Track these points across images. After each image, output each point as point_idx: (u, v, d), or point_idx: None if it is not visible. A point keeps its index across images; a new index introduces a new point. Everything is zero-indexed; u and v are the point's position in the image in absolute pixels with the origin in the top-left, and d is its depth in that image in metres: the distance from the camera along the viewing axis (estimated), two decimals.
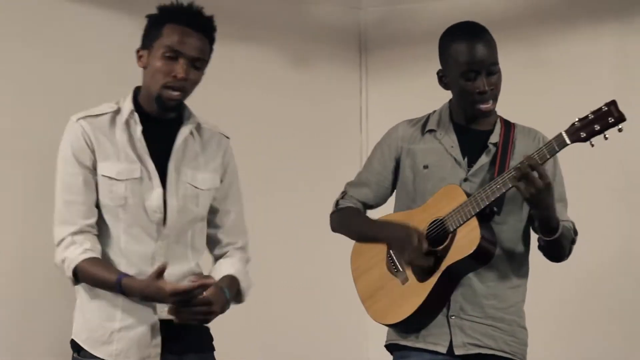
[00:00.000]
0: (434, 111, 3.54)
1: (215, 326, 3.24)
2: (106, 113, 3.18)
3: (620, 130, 3.15)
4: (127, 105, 3.18)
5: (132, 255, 3.12)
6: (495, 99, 3.39)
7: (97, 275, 3.09)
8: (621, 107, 3.17)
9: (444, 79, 3.44)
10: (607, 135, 3.16)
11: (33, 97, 4.37)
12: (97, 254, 3.11)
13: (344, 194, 3.59)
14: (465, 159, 3.42)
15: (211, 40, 3.20)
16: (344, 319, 4.80)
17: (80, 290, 3.18)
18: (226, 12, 4.83)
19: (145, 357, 3.11)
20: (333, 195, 3.62)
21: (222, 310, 3.12)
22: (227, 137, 3.32)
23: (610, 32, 4.79)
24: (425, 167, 3.45)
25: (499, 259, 3.35)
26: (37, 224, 4.24)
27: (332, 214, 3.60)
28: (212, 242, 3.31)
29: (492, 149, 3.42)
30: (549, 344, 4.57)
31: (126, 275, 3.07)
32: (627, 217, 4.75)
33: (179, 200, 3.16)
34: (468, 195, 3.32)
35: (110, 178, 3.12)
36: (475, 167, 3.41)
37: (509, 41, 4.85)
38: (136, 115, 3.16)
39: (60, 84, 4.42)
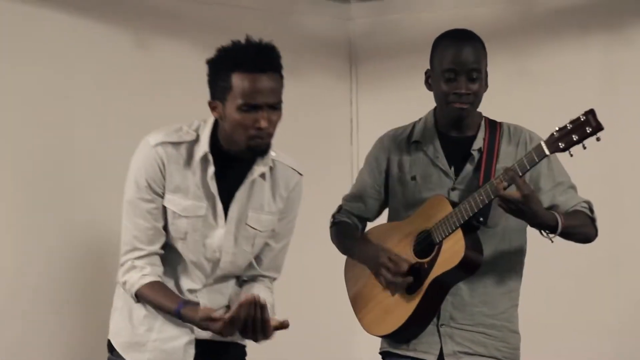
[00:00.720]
0: (420, 119, 3.53)
1: None
2: (185, 142, 3.09)
3: (598, 139, 3.13)
4: (204, 141, 3.08)
5: (183, 279, 3.12)
6: (472, 105, 3.37)
7: (157, 301, 3.08)
8: (607, 117, 3.18)
9: (429, 80, 3.45)
10: (585, 145, 3.14)
11: (25, 104, 4.38)
12: (155, 277, 3.09)
13: (339, 208, 3.61)
14: (452, 168, 3.42)
15: (281, 73, 3.08)
16: (334, 322, 4.80)
17: (121, 294, 3.17)
18: (216, 24, 4.88)
19: None
20: (324, 205, 3.64)
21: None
22: (300, 174, 3.22)
23: (597, 43, 4.81)
24: (413, 178, 3.46)
25: (489, 265, 3.36)
26: (30, 229, 4.28)
27: (330, 228, 3.63)
28: (251, 273, 3.25)
29: (477, 155, 3.41)
30: (539, 346, 4.60)
31: (186, 303, 3.05)
32: (610, 224, 4.76)
33: (236, 241, 3.13)
34: (454, 205, 3.32)
35: (174, 212, 3.08)
36: (461, 175, 3.41)
37: (496, 52, 4.86)
38: (210, 156, 3.08)
39: (51, 91, 4.42)
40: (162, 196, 3.08)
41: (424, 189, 3.43)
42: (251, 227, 3.14)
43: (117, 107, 4.57)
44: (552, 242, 3.30)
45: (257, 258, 3.23)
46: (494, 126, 3.46)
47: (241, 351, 3.28)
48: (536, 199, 3.22)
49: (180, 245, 3.11)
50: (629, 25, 4.74)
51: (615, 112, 4.39)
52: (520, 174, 3.19)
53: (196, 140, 3.09)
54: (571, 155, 3.17)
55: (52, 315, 4.27)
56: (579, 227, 3.36)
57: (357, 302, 3.51)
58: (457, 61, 3.34)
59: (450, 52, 3.36)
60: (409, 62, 5.01)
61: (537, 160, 3.19)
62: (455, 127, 3.44)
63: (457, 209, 3.29)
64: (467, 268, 3.31)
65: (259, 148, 3.04)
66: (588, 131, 3.13)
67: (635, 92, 4.72)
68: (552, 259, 4.23)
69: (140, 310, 3.13)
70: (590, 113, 3.15)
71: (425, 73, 3.46)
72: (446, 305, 3.37)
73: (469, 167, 3.41)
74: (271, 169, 3.15)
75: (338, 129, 5.32)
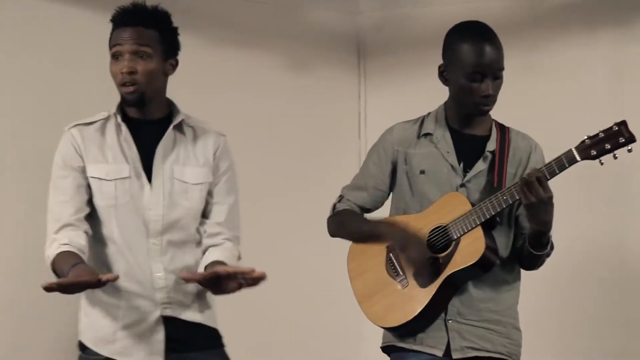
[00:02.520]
0: (429, 113, 3.53)
1: None
2: (96, 121, 3.26)
3: (629, 150, 3.19)
4: (113, 111, 3.26)
5: (128, 253, 3.17)
6: (494, 103, 3.41)
7: (60, 269, 3.12)
8: (614, 113, 3.25)
9: (445, 74, 3.43)
10: (616, 155, 3.20)
11: (28, 103, 4.39)
12: (73, 248, 3.14)
13: (340, 198, 3.59)
14: (461, 165, 3.43)
15: (156, 29, 3.22)
16: (340, 320, 4.81)
17: (84, 293, 3.21)
18: (225, 18, 4.90)
19: (149, 353, 3.16)
20: (331, 199, 3.64)
21: None
22: (224, 135, 3.34)
23: (605, 38, 4.81)
24: (422, 172, 3.45)
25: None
26: (35, 227, 4.29)
27: (329, 218, 3.60)
28: (202, 233, 3.30)
29: (489, 155, 3.43)
30: (537, 343, 4.61)
31: (75, 266, 3.07)
32: (617, 222, 4.77)
33: (166, 196, 3.20)
34: (472, 203, 3.34)
35: (99, 179, 3.19)
36: (472, 173, 3.41)
37: (504, 46, 4.85)
38: (119, 117, 3.23)
39: (55, 90, 4.43)
40: (81, 171, 3.20)
41: (432, 183, 3.43)
42: (180, 180, 3.22)
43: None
44: (524, 253, 3.37)
45: (209, 217, 3.28)
46: (503, 130, 3.49)
47: (216, 334, 3.30)
48: (552, 209, 3.25)
49: (113, 214, 3.17)
50: (637, 20, 4.74)
51: (624, 106, 4.39)
52: (549, 178, 3.22)
53: (108, 118, 3.26)
54: (601, 164, 3.21)
55: (55, 314, 4.28)
56: (546, 256, 3.41)
57: (363, 293, 3.49)
58: (486, 63, 3.34)
59: (475, 54, 3.35)
60: (417, 56, 5.01)
61: (567, 166, 3.22)
62: (467, 124, 3.46)
63: (477, 207, 3.31)
64: (484, 266, 3.32)
65: (126, 93, 3.19)
66: (621, 141, 3.19)
67: None
68: (554, 255, 4.24)
69: (101, 303, 3.18)
70: (623, 124, 3.20)
71: (439, 67, 3.45)
72: (454, 300, 3.38)
73: (480, 166, 3.42)
74: (191, 129, 3.28)
75: (346, 122, 5.32)
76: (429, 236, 3.38)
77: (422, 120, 3.53)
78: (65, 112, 4.38)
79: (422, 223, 3.40)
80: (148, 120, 3.24)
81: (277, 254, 4.85)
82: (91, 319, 3.21)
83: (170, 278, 3.19)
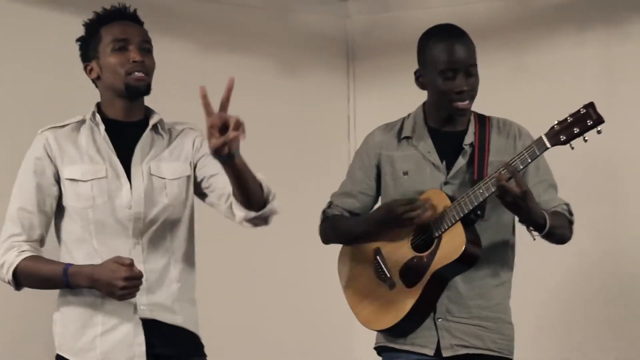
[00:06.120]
0: (408, 115, 3.55)
1: (201, 327, 3.26)
2: (70, 123, 3.24)
3: (599, 132, 3.18)
4: (89, 113, 3.23)
5: (105, 254, 3.10)
6: (472, 100, 3.40)
7: (40, 271, 3.10)
8: (605, 113, 3.20)
9: (420, 79, 3.45)
10: (586, 138, 3.19)
11: (25, 104, 4.39)
12: (35, 252, 3.13)
13: (330, 204, 3.60)
14: (444, 162, 3.43)
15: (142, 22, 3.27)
16: (331, 320, 4.81)
17: (58, 302, 3.18)
18: (215, 23, 4.90)
19: (130, 357, 3.10)
20: (321, 201, 3.64)
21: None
22: (198, 130, 3.29)
23: (595, 38, 4.81)
24: (405, 173, 3.46)
25: (484, 258, 3.37)
26: None
27: (320, 226, 3.59)
28: (220, 202, 3.21)
29: (468, 149, 3.43)
30: (535, 342, 4.62)
31: (73, 264, 3.08)
32: (608, 221, 4.78)
33: (145, 193, 3.16)
34: (452, 199, 3.34)
35: (74, 180, 3.15)
36: (454, 169, 3.42)
37: (494, 48, 4.90)
38: (98, 116, 3.20)
39: (51, 91, 4.44)
40: (52, 176, 3.16)
41: (416, 183, 3.43)
42: (157, 176, 3.19)
43: None
44: (534, 239, 3.34)
45: (215, 188, 3.21)
46: (483, 120, 3.48)
47: (197, 340, 3.25)
48: (532, 196, 3.24)
49: (90, 215, 3.12)
50: (626, 20, 4.75)
51: (614, 107, 4.39)
52: (522, 167, 3.22)
53: (82, 121, 3.23)
54: (572, 148, 3.21)
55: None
56: (560, 229, 3.38)
57: (353, 297, 3.51)
58: (455, 59, 3.35)
59: (445, 51, 3.37)
60: (406, 59, 4.94)
61: (538, 154, 3.23)
62: (447, 122, 3.46)
63: (456, 203, 3.31)
64: (467, 261, 3.32)
65: (137, 80, 3.16)
66: (589, 124, 3.18)
67: (633, 87, 4.72)
68: (551, 255, 4.24)
69: (78, 311, 3.13)
70: (591, 106, 3.20)
71: (415, 73, 3.47)
72: (442, 298, 3.38)
73: (461, 162, 3.42)
74: (166, 131, 3.26)
75: (335, 125, 5.33)
76: (412, 236, 3.40)
77: (401, 123, 3.55)
78: (65, 112, 4.42)
79: None
80: (127, 122, 3.22)
81: (267, 256, 4.86)
82: (68, 329, 3.15)
83: (151, 279, 3.13)
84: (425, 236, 3.37)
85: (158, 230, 3.18)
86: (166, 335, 3.16)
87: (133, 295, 3.04)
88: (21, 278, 3.12)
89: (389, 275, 3.42)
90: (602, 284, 4.76)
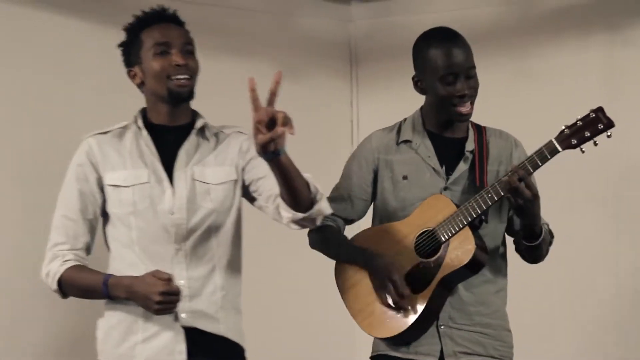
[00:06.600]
0: (405, 119, 3.54)
1: None
2: (114, 129, 3.21)
3: (609, 136, 3.20)
4: (133, 120, 3.20)
5: (149, 262, 3.07)
6: (473, 103, 3.39)
7: (82, 281, 3.08)
8: (609, 116, 3.22)
9: (419, 84, 3.44)
10: (596, 142, 3.21)
11: (23, 106, 4.39)
12: (79, 262, 3.12)
13: None
14: (443, 168, 3.42)
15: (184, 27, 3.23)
16: (333, 327, 4.80)
17: (104, 308, 3.16)
18: (218, 26, 4.90)
19: None
20: None
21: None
22: (245, 134, 3.25)
23: (598, 43, 4.82)
24: (405, 177, 3.44)
25: None
26: (30, 230, 4.29)
27: (310, 232, 3.53)
28: (268, 204, 3.17)
29: (469, 156, 3.42)
30: (536, 348, 4.62)
31: (113, 275, 3.07)
32: (611, 224, 4.78)
33: (188, 199, 3.11)
34: (456, 205, 3.33)
35: (116, 186, 3.13)
36: (454, 175, 3.41)
37: (497, 52, 4.90)
38: (141, 122, 3.17)
39: (50, 94, 4.44)
40: (95, 183, 3.14)
41: (416, 188, 3.42)
42: (201, 181, 3.15)
43: (116, 110, 4.56)
44: (521, 248, 3.37)
45: (262, 191, 3.17)
46: (480, 129, 3.48)
47: (240, 351, 3.22)
48: (540, 202, 3.26)
49: (133, 222, 3.10)
50: (628, 25, 4.75)
51: (616, 111, 4.37)
52: (532, 171, 3.22)
53: (126, 126, 3.21)
54: (583, 152, 3.22)
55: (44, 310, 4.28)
56: (546, 245, 3.41)
57: (354, 304, 3.46)
58: (454, 64, 3.35)
59: (444, 56, 3.36)
60: (409, 63, 4.95)
61: (549, 158, 3.22)
62: (446, 128, 3.45)
63: (463, 207, 3.29)
64: (475, 266, 3.31)
65: (180, 85, 3.12)
66: (600, 127, 3.20)
67: (635, 92, 4.73)
68: (551, 258, 4.24)
69: (120, 317, 3.11)
70: (600, 110, 3.22)
71: (413, 78, 3.46)
72: (445, 305, 3.37)
73: (462, 167, 3.41)
74: (213, 134, 3.22)
75: (339, 130, 5.33)
76: (416, 242, 3.36)
77: (399, 127, 3.53)
78: (64, 116, 4.43)
79: (408, 229, 3.39)
80: (172, 127, 3.18)
81: (268, 261, 4.85)
82: (110, 335, 3.13)
83: (194, 286, 3.10)
84: (431, 242, 3.35)
85: (202, 236, 3.13)
86: (208, 344, 3.11)
87: (170, 310, 3.01)
88: (65, 288, 3.11)
89: None
90: (601, 290, 4.77)
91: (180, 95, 3.14)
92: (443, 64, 3.35)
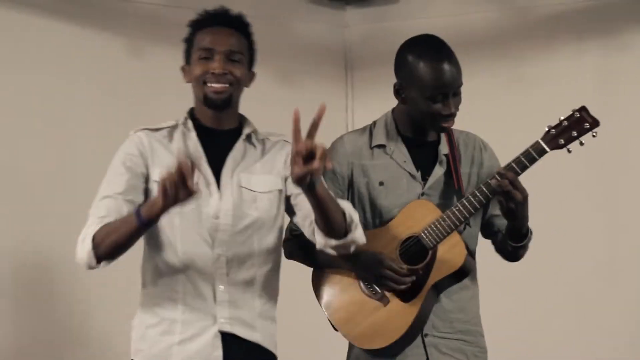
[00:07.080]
0: (374, 122, 3.46)
1: None
2: (164, 127, 3.17)
3: (594, 135, 3.19)
4: (182, 120, 3.17)
5: (189, 263, 3.04)
6: (454, 117, 3.31)
7: (114, 224, 2.96)
8: (603, 122, 3.21)
9: (401, 92, 3.33)
10: (582, 141, 3.20)
11: (24, 111, 4.40)
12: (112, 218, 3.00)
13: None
14: (419, 172, 3.36)
15: (246, 37, 3.19)
16: (331, 332, 4.81)
17: (138, 308, 3.12)
18: None
19: None
20: None
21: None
22: (290, 143, 3.16)
23: (591, 49, 4.83)
24: (381, 183, 3.36)
25: None
26: (28, 231, 4.31)
27: (285, 241, 3.33)
28: (305, 224, 3.14)
29: (444, 159, 3.37)
30: (533, 350, 4.62)
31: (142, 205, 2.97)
32: (608, 226, 4.79)
33: (234, 205, 3.09)
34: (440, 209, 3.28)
35: None
36: (431, 180, 3.35)
37: (491, 58, 4.91)
38: (190, 122, 3.14)
39: (50, 99, 4.46)
40: (141, 175, 3.07)
41: (393, 194, 3.35)
42: (248, 189, 3.12)
43: (115, 114, 4.59)
44: (508, 249, 3.34)
45: (299, 210, 3.14)
46: (449, 132, 3.40)
47: (271, 356, 3.18)
48: (527, 204, 3.23)
49: (177, 221, 3.04)
50: (623, 31, 4.76)
51: (611, 117, 4.41)
52: (520, 173, 3.20)
53: (175, 126, 3.17)
54: (569, 152, 3.20)
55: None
56: (526, 247, 3.37)
57: (340, 316, 3.36)
58: (445, 84, 3.24)
59: (436, 72, 3.24)
60: None
61: (537, 159, 3.20)
62: (419, 132, 3.38)
63: (450, 212, 3.24)
64: (464, 272, 3.28)
65: (212, 92, 3.09)
66: (586, 127, 3.19)
67: (630, 97, 4.74)
68: (550, 264, 4.25)
69: (155, 321, 3.07)
70: (584, 109, 3.22)
71: (394, 86, 3.35)
72: None
73: (438, 172, 3.36)
74: (260, 140, 3.20)
75: (334, 135, 5.30)
76: (400, 248, 3.30)
77: (370, 130, 3.46)
78: (63, 120, 4.43)
79: (391, 236, 3.32)
80: (219, 130, 3.15)
81: None
82: (146, 334, 3.09)
83: (233, 292, 3.07)
84: (417, 248, 3.29)
85: (245, 244, 3.09)
86: (243, 351, 3.08)
87: (187, 193, 2.82)
88: (99, 244, 2.97)
89: (379, 291, 3.31)
90: (599, 291, 4.77)
91: (214, 102, 3.11)
92: (433, 83, 3.23)
